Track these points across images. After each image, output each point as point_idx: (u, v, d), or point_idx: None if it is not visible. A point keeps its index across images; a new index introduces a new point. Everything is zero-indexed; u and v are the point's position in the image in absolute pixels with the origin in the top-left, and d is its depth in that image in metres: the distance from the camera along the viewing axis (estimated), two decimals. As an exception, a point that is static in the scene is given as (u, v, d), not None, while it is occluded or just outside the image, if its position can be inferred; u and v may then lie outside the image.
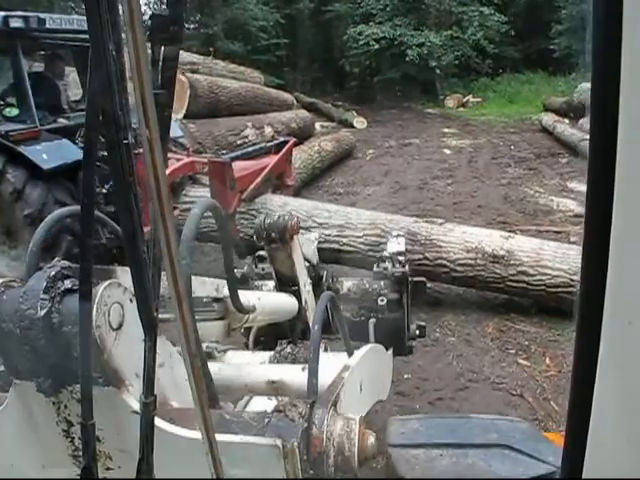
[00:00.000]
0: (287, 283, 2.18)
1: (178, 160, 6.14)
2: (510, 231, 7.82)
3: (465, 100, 24.67)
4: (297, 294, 2.19)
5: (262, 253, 2.32)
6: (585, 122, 14.61)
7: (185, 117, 10.20)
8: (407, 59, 24.11)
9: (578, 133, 13.77)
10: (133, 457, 0.94)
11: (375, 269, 2.85)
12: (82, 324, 0.94)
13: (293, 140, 7.07)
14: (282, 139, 7.19)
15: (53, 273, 1.02)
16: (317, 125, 17.17)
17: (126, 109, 0.78)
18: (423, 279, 3.19)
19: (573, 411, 0.70)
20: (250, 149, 6.72)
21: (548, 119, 16.71)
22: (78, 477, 1.06)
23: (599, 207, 0.64)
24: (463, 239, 5.68)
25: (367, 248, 5.83)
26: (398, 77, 25.50)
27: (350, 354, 1.77)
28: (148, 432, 0.91)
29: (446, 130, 18.20)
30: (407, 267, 2.81)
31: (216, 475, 0.71)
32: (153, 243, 0.87)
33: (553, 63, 26.26)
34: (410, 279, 2.82)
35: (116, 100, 0.75)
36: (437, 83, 25.36)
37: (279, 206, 6.25)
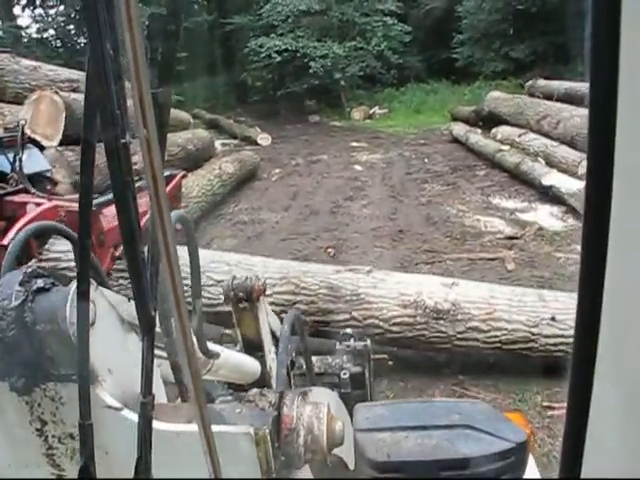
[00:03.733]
0: (253, 348, 2.12)
1: (37, 205, 4.83)
2: (440, 261, 6.96)
3: (371, 112, 24.15)
4: (261, 360, 2.10)
5: (228, 332, 2.32)
6: (497, 131, 14.09)
7: (61, 144, 8.76)
8: (310, 71, 23.31)
9: (493, 143, 13.19)
10: (108, 452, 1.01)
11: (338, 346, 2.84)
12: (79, 324, 0.95)
13: (182, 174, 5.78)
14: (168, 172, 5.83)
15: (30, 270, 1.03)
16: (218, 144, 15.99)
17: (124, 109, 0.78)
18: (385, 356, 3.29)
19: (571, 411, 0.70)
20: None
21: (459, 129, 16.12)
22: (61, 476, 1.11)
23: (596, 224, 0.62)
24: (397, 291, 4.60)
25: (278, 310, 4.59)
26: (302, 90, 24.65)
27: (312, 380, 2.09)
28: (146, 432, 0.93)
29: (355, 144, 17.34)
30: (369, 342, 2.82)
31: (214, 475, 0.70)
32: (151, 243, 0.90)
33: (455, 72, 26.27)
34: (372, 355, 2.82)
35: (114, 99, 0.76)
36: (342, 95, 24.68)
37: (164, 259, 4.90)
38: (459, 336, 4.39)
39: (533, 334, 4.28)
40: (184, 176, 6.04)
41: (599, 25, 0.56)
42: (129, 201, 0.83)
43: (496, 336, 4.35)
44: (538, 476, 1.81)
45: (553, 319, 4.25)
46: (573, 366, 0.68)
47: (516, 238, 7.76)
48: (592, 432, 0.67)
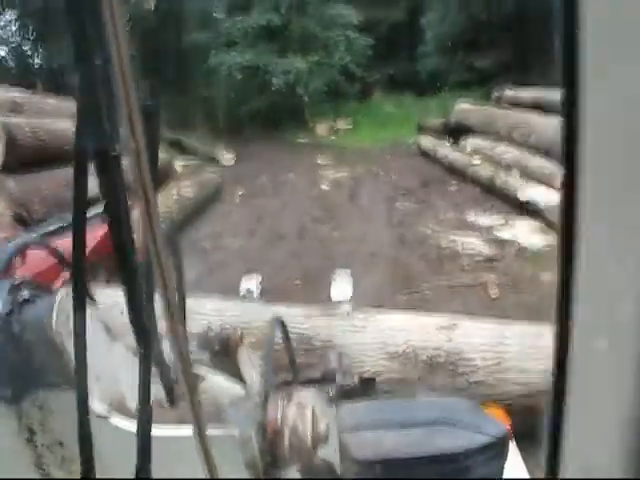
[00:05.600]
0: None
1: None
2: (418, 291, 6.41)
3: (336, 127, 23.75)
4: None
5: None
6: (467, 143, 13.69)
7: (0, 172, 8.04)
8: (273, 87, 22.83)
9: (463, 156, 12.79)
10: (96, 459, 0.99)
11: (322, 369, 2.47)
12: (76, 334, 0.94)
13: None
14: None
15: (17, 282, 1.08)
16: (180, 164, 15.34)
17: (115, 121, 0.79)
18: (373, 377, 2.83)
19: (551, 409, 0.71)
20: (63, 223, 4.43)
21: (427, 142, 15.74)
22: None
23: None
24: (383, 338, 3.84)
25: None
26: (265, 106, 24.13)
27: (297, 384, 1.95)
28: (145, 440, 0.93)
29: (320, 161, 16.84)
30: (356, 378, 2.35)
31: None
32: (144, 254, 0.91)
33: (419, 84, 26.15)
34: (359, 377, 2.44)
35: (104, 113, 0.77)
36: (306, 111, 24.22)
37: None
38: (461, 393, 3.65)
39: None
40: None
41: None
42: (120, 214, 0.85)
43: (506, 391, 3.65)
44: (523, 466, 1.83)
45: None
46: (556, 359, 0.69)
47: (496, 260, 7.26)
48: (567, 431, 0.68)
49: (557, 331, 0.68)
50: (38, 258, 3.72)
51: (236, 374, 1.96)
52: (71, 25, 0.73)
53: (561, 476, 0.71)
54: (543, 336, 3.85)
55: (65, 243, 3.10)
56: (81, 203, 0.90)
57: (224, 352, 1.98)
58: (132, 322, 0.91)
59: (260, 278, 6.17)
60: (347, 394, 2.50)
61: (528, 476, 1.89)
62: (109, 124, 0.78)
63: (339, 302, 4.41)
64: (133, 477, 0.93)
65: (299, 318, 4.12)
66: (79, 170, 0.85)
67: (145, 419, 0.93)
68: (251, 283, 6.46)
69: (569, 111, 0.60)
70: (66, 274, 3.66)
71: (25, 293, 1.08)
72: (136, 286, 0.90)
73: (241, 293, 6.13)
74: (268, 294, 6.52)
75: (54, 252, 1.69)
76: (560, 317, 0.66)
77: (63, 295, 1.06)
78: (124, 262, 0.88)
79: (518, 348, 3.78)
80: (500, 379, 3.70)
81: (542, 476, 0.76)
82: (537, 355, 3.73)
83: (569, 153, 0.61)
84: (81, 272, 0.95)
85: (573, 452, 0.69)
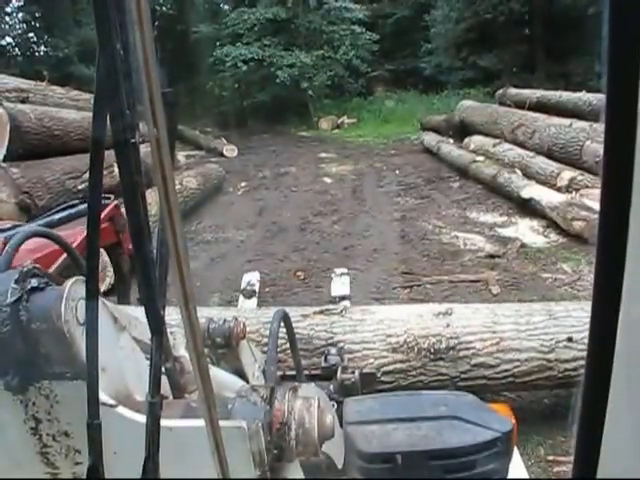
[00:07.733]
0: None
1: None
2: (419, 285, 6.43)
3: (340, 121, 23.77)
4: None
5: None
6: (470, 141, 13.70)
7: (5, 159, 8.04)
8: (277, 81, 22.83)
9: (466, 154, 12.77)
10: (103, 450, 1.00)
11: (323, 364, 2.64)
12: (88, 323, 0.96)
13: (113, 203, 4.06)
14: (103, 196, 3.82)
15: (25, 270, 1.06)
16: (182, 156, 15.39)
17: (133, 108, 0.80)
18: (373, 371, 3.23)
19: (586, 411, 0.69)
20: (52, 217, 4.12)
21: (430, 139, 15.72)
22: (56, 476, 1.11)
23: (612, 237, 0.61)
24: (383, 331, 3.85)
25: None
26: (269, 99, 24.17)
27: (300, 377, 2.11)
28: (154, 432, 0.93)
29: (323, 155, 16.89)
30: (356, 373, 2.50)
31: (222, 472, 0.70)
32: (160, 243, 0.93)
33: (423, 81, 26.15)
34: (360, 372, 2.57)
35: (124, 99, 0.78)
36: (310, 105, 24.22)
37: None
38: (463, 377, 3.76)
39: (550, 361, 3.71)
40: (117, 206, 4.20)
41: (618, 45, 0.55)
42: (138, 200, 0.84)
43: (507, 370, 3.74)
44: (522, 465, 1.78)
45: (570, 340, 3.69)
46: (588, 365, 0.68)
47: (498, 257, 7.27)
48: (608, 432, 0.66)
49: (595, 330, 0.66)
50: (34, 245, 3.70)
51: (237, 367, 1.96)
52: (95, 9, 0.71)
53: (599, 476, 0.69)
54: (535, 315, 3.95)
55: (67, 234, 3.06)
56: (97, 190, 0.90)
57: (226, 345, 1.93)
58: (146, 309, 0.90)
59: (259, 276, 6.26)
60: (348, 389, 2.45)
61: (526, 475, 1.87)
62: (128, 110, 0.78)
63: (338, 298, 4.43)
64: (140, 467, 0.93)
65: (296, 319, 4.01)
66: (96, 157, 0.85)
67: (154, 409, 0.93)
68: (252, 277, 6.54)
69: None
70: (61, 260, 3.55)
71: (34, 281, 1.04)
72: (151, 272, 0.89)
73: (242, 286, 6.20)
74: (270, 286, 6.59)
75: (58, 242, 1.68)
76: (598, 316, 0.65)
77: (72, 284, 1.02)
78: (140, 248, 0.86)
79: (512, 328, 3.85)
80: (499, 358, 3.76)
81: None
82: (532, 334, 3.81)
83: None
84: (94, 260, 0.94)
85: (612, 452, 0.67)
